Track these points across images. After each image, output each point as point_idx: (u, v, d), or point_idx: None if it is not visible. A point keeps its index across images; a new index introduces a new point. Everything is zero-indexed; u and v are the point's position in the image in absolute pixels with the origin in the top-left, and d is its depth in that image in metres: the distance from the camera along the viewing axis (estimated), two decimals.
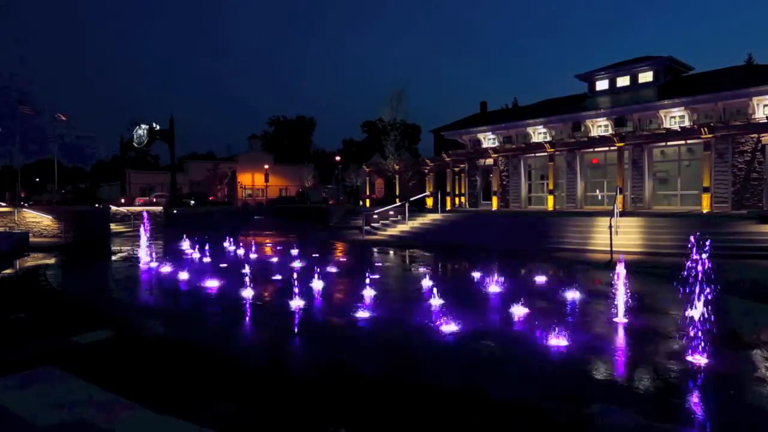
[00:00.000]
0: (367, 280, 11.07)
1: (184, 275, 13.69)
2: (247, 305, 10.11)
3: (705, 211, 21.14)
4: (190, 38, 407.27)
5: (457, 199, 33.86)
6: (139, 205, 41.44)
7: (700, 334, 6.37)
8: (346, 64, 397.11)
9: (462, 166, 33.46)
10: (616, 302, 8.52)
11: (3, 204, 31.02)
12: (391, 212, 29.50)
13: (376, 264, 16.94)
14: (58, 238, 25.77)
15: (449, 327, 7.91)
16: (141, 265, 16.61)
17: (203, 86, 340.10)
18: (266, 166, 57.41)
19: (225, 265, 16.22)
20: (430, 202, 31.96)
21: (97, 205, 34.11)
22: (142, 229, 18.66)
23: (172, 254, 20.88)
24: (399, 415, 4.91)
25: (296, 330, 8.24)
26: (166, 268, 15.54)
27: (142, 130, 44.71)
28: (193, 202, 46.65)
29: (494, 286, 11.30)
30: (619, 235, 17.89)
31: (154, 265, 16.40)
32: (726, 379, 5.82)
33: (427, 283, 11.73)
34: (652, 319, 8.59)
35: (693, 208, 22.94)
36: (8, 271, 15.80)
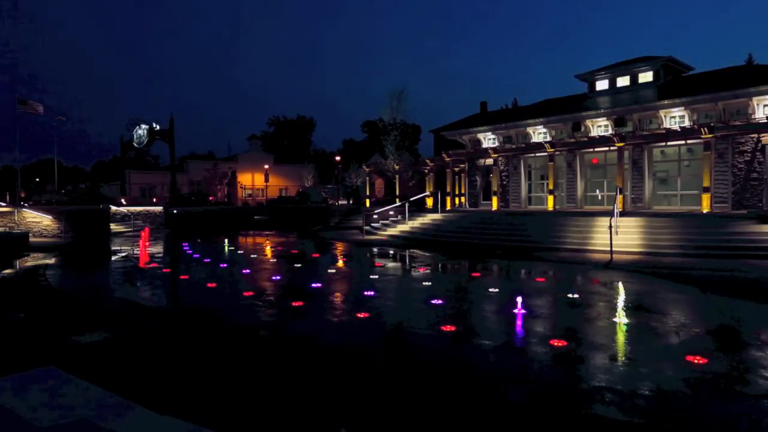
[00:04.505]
0: (370, 280, 11.07)
1: (184, 275, 13.70)
2: (248, 305, 10.12)
3: (705, 211, 21.11)
4: (190, 38, 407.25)
5: (457, 199, 33.82)
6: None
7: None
8: (346, 63, 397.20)
9: (462, 166, 33.44)
10: (615, 303, 8.52)
11: (3, 204, 31.00)
12: (391, 212, 29.50)
13: (377, 264, 16.94)
14: (58, 238, 25.77)
15: (447, 328, 7.92)
16: (141, 264, 16.62)
17: (204, 86, 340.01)
18: (266, 166, 57.38)
19: (226, 265, 16.23)
20: (430, 202, 31.93)
21: (101, 206, 34.10)
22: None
23: (172, 254, 20.89)
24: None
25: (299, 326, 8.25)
26: (167, 268, 15.54)
27: (142, 130, 44.72)
28: (193, 199, 46.69)
29: (494, 287, 11.31)
30: (619, 235, 17.88)
31: (154, 265, 16.41)
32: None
33: (427, 283, 11.74)
34: (650, 319, 8.58)
35: (693, 208, 22.92)
36: (8, 271, 15.80)
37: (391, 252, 19.99)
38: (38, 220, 26.73)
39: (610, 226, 16.88)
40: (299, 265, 16.38)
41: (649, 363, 6.34)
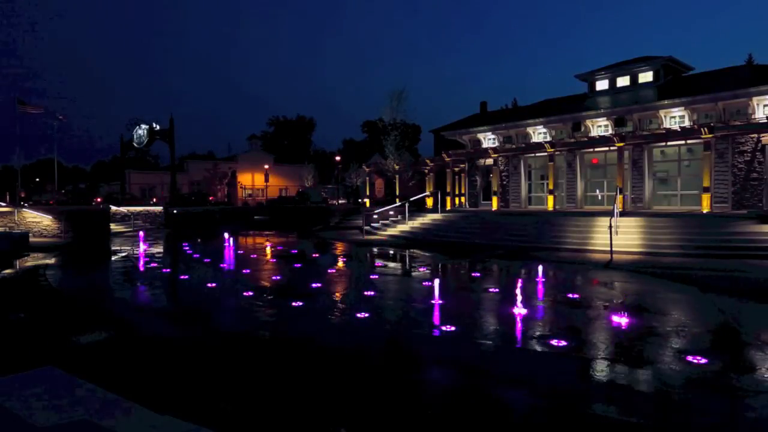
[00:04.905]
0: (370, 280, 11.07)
1: (184, 275, 13.69)
2: (248, 305, 10.12)
3: (705, 211, 21.11)
4: (190, 38, 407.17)
5: (457, 199, 33.82)
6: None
7: None
8: (346, 63, 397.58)
9: (462, 166, 33.43)
10: (615, 302, 8.52)
11: (3, 204, 30.99)
12: (391, 212, 29.49)
13: (377, 264, 16.94)
14: (58, 238, 25.77)
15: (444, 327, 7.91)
16: (141, 265, 16.61)
17: (204, 86, 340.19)
18: (266, 166, 57.37)
19: (226, 265, 16.22)
20: (430, 202, 31.93)
21: (101, 206, 34.10)
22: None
23: (172, 254, 20.89)
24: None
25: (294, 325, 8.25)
26: (167, 268, 15.53)
27: (142, 130, 44.74)
28: (193, 199, 46.77)
29: (494, 287, 11.30)
30: (619, 235, 17.88)
31: (154, 265, 16.40)
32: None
33: (427, 283, 11.73)
34: (650, 319, 8.58)
35: (693, 208, 22.92)
36: (8, 271, 15.79)
37: (391, 252, 19.99)
38: (38, 220, 26.73)
39: (610, 226, 16.87)
40: (299, 265, 16.39)
41: (648, 363, 6.34)
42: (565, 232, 20.17)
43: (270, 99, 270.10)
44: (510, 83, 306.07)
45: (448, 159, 31.19)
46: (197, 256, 18.70)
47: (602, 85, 31.48)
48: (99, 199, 45.21)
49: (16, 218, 26.64)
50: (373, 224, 28.61)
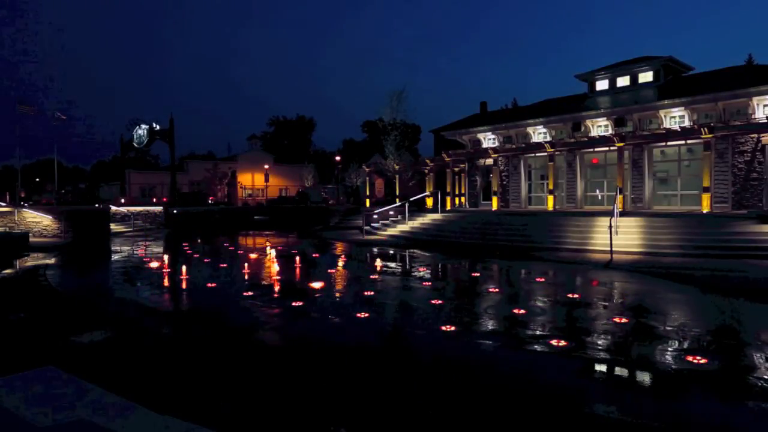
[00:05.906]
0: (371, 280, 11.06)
1: (183, 275, 13.68)
2: (248, 305, 10.12)
3: (705, 211, 21.10)
4: (190, 37, 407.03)
5: (457, 199, 33.80)
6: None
7: None
8: (347, 63, 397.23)
9: (462, 166, 33.42)
10: (614, 302, 8.51)
11: (3, 204, 31.00)
12: (391, 212, 29.49)
13: (377, 264, 16.94)
14: (58, 238, 25.77)
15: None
16: (141, 264, 16.61)
17: (204, 86, 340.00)
18: (266, 166, 57.36)
19: (226, 265, 16.23)
20: (430, 202, 31.92)
21: (96, 205, 34.12)
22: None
23: (172, 254, 20.89)
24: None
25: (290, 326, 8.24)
26: (167, 269, 15.52)
27: (142, 130, 44.72)
28: (193, 199, 46.74)
29: (494, 287, 11.29)
30: (619, 235, 17.87)
31: (154, 265, 16.40)
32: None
33: (427, 283, 11.73)
34: (650, 319, 8.58)
35: (693, 208, 22.91)
36: (8, 271, 15.79)
37: (391, 252, 19.98)
38: (38, 220, 26.73)
39: (610, 226, 16.87)
40: (299, 265, 16.39)
41: (648, 363, 6.34)
42: (565, 232, 20.17)
43: (270, 99, 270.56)
44: (510, 83, 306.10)
45: (448, 159, 31.18)
46: (197, 256, 18.71)
47: (602, 85, 31.47)
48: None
49: (16, 218, 26.64)
50: (373, 224, 28.61)
